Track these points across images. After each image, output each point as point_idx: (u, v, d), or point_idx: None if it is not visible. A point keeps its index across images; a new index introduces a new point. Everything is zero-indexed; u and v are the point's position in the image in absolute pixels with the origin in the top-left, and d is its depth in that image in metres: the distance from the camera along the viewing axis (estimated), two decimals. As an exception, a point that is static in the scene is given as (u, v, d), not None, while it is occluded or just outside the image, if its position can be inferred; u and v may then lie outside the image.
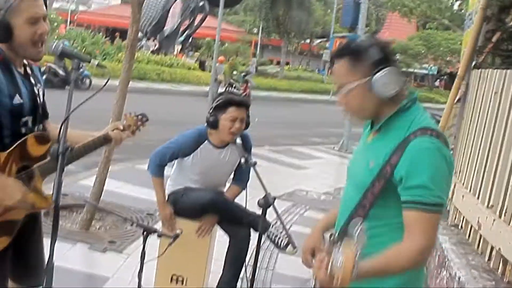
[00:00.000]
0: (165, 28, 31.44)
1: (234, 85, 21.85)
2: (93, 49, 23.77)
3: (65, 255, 4.76)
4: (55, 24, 23.67)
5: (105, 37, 30.38)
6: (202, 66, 31.57)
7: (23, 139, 2.58)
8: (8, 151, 2.53)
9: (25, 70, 2.68)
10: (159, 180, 4.24)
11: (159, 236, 4.14)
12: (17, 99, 2.55)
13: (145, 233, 3.99)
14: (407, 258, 2.00)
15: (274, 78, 33.14)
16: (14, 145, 2.55)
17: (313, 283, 2.35)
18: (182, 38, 33.26)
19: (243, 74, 23.33)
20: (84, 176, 7.34)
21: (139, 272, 4.01)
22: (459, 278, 4.27)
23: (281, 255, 5.50)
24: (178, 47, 32.99)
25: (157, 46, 30.49)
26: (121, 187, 7.18)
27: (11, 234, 2.66)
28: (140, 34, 33.25)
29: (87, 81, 17.70)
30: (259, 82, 28.86)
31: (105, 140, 2.86)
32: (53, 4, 36.12)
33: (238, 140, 3.86)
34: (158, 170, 4.22)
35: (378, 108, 2.19)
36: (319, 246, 2.48)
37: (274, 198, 3.36)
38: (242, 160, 3.59)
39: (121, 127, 2.93)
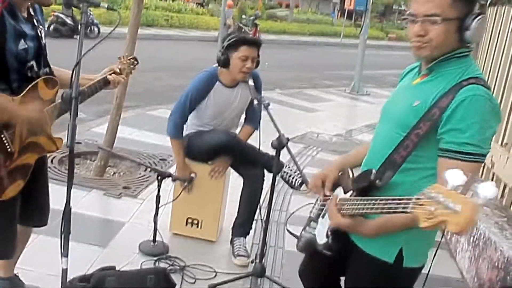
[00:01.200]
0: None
1: (243, 29, 21.60)
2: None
3: (81, 202, 4.82)
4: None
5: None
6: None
7: (34, 82, 2.62)
8: (22, 94, 2.57)
9: (28, 12, 2.67)
10: (179, 141, 4.22)
11: (174, 180, 4.22)
12: (22, 44, 2.56)
13: (159, 177, 4.06)
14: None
15: (284, 21, 32.72)
16: (27, 88, 2.59)
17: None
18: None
19: (252, 18, 23.01)
20: (96, 123, 7.35)
21: (154, 216, 4.10)
22: (471, 215, 4.28)
23: (294, 197, 5.56)
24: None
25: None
26: (133, 133, 7.20)
27: (25, 178, 2.73)
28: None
29: (95, 29, 17.53)
30: (268, 25, 28.52)
31: (105, 83, 2.94)
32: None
33: (251, 82, 3.86)
34: (178, 131, 4.19)
35: (451, 50, 2.09)
36: (331, 178, 2.46)
37: (288, 139, 3.38)
38: (255, 102, 3.59)
39: (118, 70, 3.00)
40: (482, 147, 1.96)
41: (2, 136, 2.51)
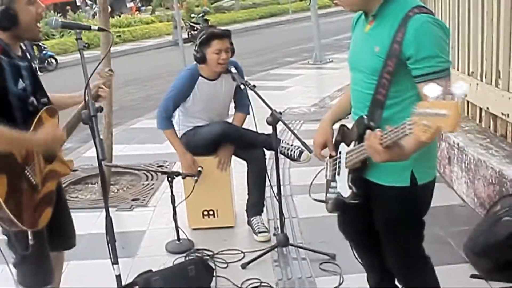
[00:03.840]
0: (111, -11, 30.93)
1: (195, 28, 21.78)
2: (49, 28, 23.45)
3: (97, 223, 4.97)
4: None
5: (57, 14, 29.81)
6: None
7: (38, 115, 2.75)
8: (31, 129, 2.69)
9: (21, 50, 2.83)
10: (170, 131, 4.48)
11: (183, 177, 4.48)
12: (20, 84, 2.71)
13: (169, 178, 4.32)
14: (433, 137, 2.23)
15: (231, 11, 32.89)
16: (34, 123, 2.72)
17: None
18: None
19: (201, 15, 23.21)
20: (85, 149, 7.51)
21: (173, 216, 4.35)
22: (457, 144, 4.64)
23: (292, 169, 5.85)
24: (129, 5, 32.57)
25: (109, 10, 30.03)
26: (124, 149, 7.39)
27: (52, 204, 2.89)
28: (89, 1, 32.82)
29: (53, 60, 17.63)
30: (218, 18, 28.67)
31: (96, 99, 3.05)
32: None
33: (233, 69, 4.16)
34: (166, 122, 4.46)
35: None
36: (330, 138, 2.79)
37: (281, 113, 3.68)
38: (242, 86, 3.89)
39: (103, 85, 3.10)
40: (447, 59, 2.28)
41: (26, 171, 2.65)
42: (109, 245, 2.84)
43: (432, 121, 1.78)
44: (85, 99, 2.68)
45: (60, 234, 3.11)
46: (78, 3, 34.71)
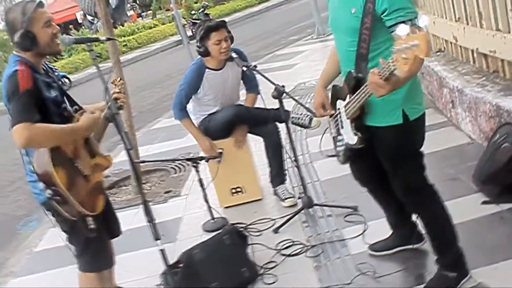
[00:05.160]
0: (110, 0, 31.30)
1: (197, 24, 22.05)
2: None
3: (135, 218, 5.29)
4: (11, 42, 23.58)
5: (62, 33, 30.31)
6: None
7: (74, 118, 3.13)
8: None
9: (44, 69, 3.18)
10: (187, 120, 4.86)
11: (207, 161, 4.83)
12: (53, 92, 3.08)
13: (194, 163, 4.67)
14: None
15: (230, 1, 33.14)
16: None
17: None
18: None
19: (201, 10, 23.49)
20: (113, 155, 7.87)
21: (204, 197, 4.70)
22: (457, 87, 4.93)
23: (309, 139, 6.16)
24: (129, 13, 32.96)
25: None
26: (149, 149, 7.75)
27: (103, 193, 3.31)
28: (89, 17, 33.23)
29: (66, 80, 18.04)
30: (218, 10, 28.97)
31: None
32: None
33: (234, 55, 4.50)
34: (182, 113, 4.83)
35: None
36: (326, 100, 3.19)
37: (283, 86, 4.03)
38: (245, 68, 4.24)
39: (121, 94, 3.38)
40: (414, 10, 2.65)
41: (76, 164, 3.06)
42: (150, 224, 3.19)
43: (409, 53, 2.18)
44: (107, 101, 3.05)
45: (108, 223, 3.45)
46: (80, 21, 35.25)
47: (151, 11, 38.33)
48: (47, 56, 3.25)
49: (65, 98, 3.21)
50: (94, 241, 3.17)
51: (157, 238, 3.23)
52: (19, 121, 2.80)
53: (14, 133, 2.81)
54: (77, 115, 3.18)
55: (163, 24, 29.31)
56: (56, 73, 3.31)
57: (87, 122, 3.09)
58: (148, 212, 3.22)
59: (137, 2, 37.09)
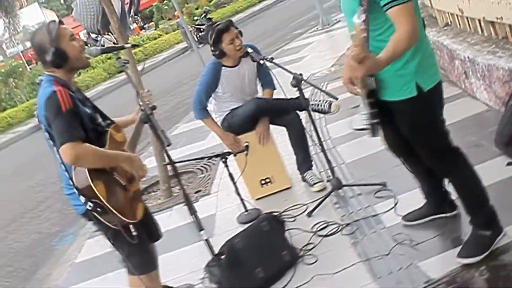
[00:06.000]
0: (113, 15, 31.52)
1: (201, 29, 22.25)
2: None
3: (169, 220, 5.49)
4: (20, 69, 23.90)
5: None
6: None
7: (108, 132, 3.30)
8: (107, 144, 3.25)
9: (76, 87, 3.35)
10: (208, 119, 5.02)
11: (235, 155, 4.98)
12: (87, 109, 3.25)
13: (223, 159, 4.82)
14: (403, 40, 2.73)
15: (231, 3, 33.27)
16: (108, 138, 3.27)
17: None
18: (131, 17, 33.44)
19: (203, 15, 23.65)
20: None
21: (236, 191, 4.84)
22: (468, 57, 5.04)
23: (328, 126, 6.30)
24: (132, 27, 33.18)
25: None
26: (172, 155, 7.80)
27: (142, 201, 3.47)
28: (93, 35, 33.48)
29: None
30: (220, 14, 29.11)
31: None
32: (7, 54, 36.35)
33: (249, 50, 4.66)
34: (203, 112, 4.99)
35: None
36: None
37: (301, 74, 4.17)
38: (261, 62, 4.39)
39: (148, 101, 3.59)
40: None
41: (115, 176, 3.20)
42: (193, 217, 3.35)
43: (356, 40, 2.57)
44: (139, 105, 3.21)
45: (148, 228, 3.61)
46: (84, 40, 35.50)
47: (153, 23, 38.65)
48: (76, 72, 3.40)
49: (97, 112, 3.37)
50: (137, 245, 3.29)
51: (201, 229, 3.39)
52: (66, 141, 2.94)
53: (61, 152, 2.96)
54: (110, 129, 3.33)
55: (167, 33, 29.52)
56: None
57: (130, 156, 3.28)
58: (189, 205, 3.38)
59: (138, 15, 37.31)
